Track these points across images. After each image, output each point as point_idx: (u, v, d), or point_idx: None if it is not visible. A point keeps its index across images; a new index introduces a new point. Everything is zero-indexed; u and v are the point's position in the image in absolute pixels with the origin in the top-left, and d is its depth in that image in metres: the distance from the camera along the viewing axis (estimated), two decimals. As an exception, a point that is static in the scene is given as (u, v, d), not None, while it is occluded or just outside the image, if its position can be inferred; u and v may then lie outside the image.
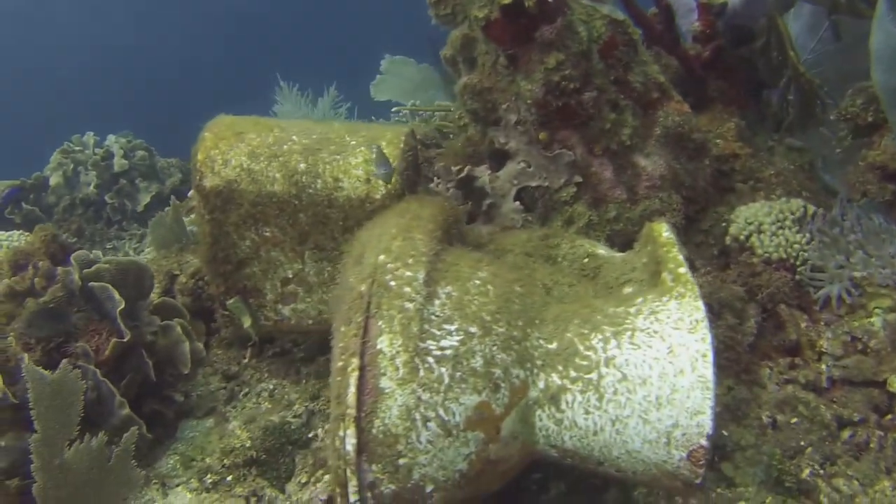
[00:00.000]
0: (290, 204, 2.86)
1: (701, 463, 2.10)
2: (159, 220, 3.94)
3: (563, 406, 2.14)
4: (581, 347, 2.17)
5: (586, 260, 2.79)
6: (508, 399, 2.08)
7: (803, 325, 2.81)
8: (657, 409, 2.08)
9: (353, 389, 1.90)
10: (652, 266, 2.54)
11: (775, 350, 2.82)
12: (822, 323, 2.82)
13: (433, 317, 2.05)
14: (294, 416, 3.00)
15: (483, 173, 3.13)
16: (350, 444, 1.89)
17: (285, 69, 7.29)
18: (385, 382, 1.93)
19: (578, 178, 3.07)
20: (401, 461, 1.94)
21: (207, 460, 2.93)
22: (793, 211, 2.98)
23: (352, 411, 1.90)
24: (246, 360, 3.46)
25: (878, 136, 2.90)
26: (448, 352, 2.02)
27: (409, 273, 2.08)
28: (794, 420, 2.59)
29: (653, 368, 2.11)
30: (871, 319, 2.70)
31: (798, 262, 2.89)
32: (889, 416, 2.57)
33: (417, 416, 1.94)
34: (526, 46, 2.92)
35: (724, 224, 3.21)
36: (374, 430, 1.92)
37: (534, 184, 3.11)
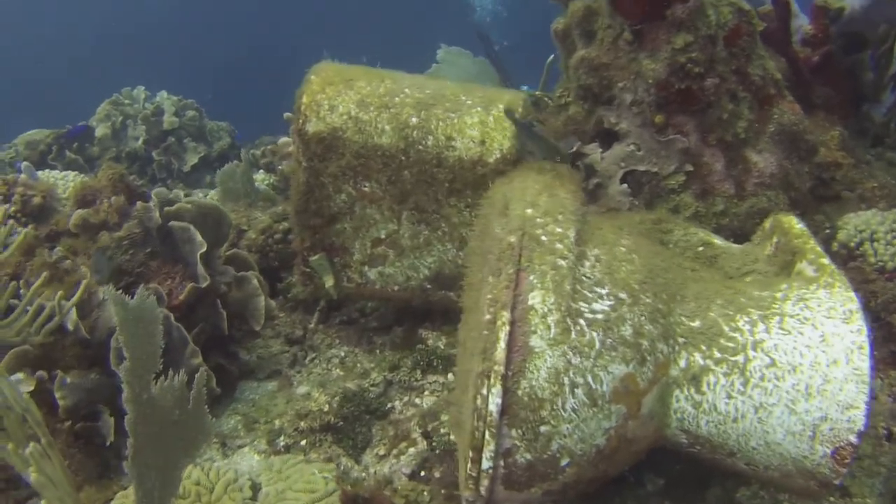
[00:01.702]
0: (397, 159, 2.72)
1: (846, 462, 1.97)
2: (230, 171, 3.79)
3: (705, 388, 2.00)
4: (726, 328, 2.04)
5: (701, 248, 2.67)
6: (652, 374, 1.95)
7: (919, 338, 2.70)
8: (806, 399, 1.96)
9: (503, 345, 1.76)
10: (782, 257, 2.42)
11: (886, 361, 2.70)
12: (938, 338, 2.71)
13: (584, 278, 1.92)
14: (372, 385, 2.85)
15: (594, 151, 3.01)
16: (494, 403, 1.75)
17: (334, 49, 7.15)
18: (535, 341, 1.79)
19: (689, 167, 2.95)
20: (542, 428, 1.80)
21: (277, 423, 2.78)
22: (908, 222, 2.88)
23: (500, 368, 1.75)
24: (312, 325, 3.32)
25: None
26: (599, 316, 1.88)
27: (559, 229, 1.95)
28: (915, 433, 2.47)
29: (804, 356, 1.98)
30: None
31: (914, 274, 2.78)
32: None
33: (566, 380, 1.80)
34: (655, 23, 2.81)
35: (827, 231, 3.10)
36: (519, 392, 1.78)
37: (642, 168, 2.99)
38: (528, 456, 1.82)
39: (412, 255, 2.88)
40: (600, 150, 3.03)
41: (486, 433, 1.76)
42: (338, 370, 3.03)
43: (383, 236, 2.86)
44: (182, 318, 2.73)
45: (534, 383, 1.78)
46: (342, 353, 3.12)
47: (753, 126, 3.01)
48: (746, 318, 2.06)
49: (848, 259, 2.93)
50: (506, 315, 1.79)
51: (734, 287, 2.19)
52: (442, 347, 2.97)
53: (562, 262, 1.88)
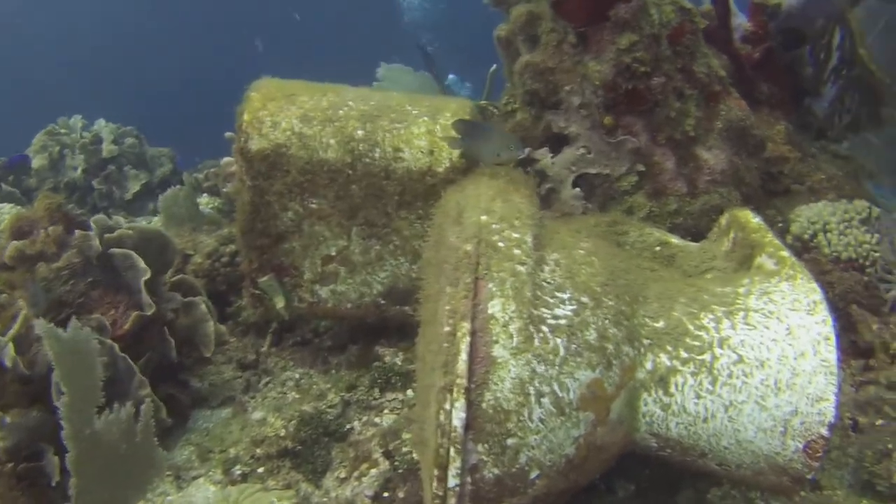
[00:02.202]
0: (343, 173, 2.64)
1: (818, 455, 1.94)
2: (173, 196, 3.66)
3: (673, 389, 1.96)
4: (691, 327, 2.00)
5: (658, 248, 2.64)
6: (619, 378, 1.89)
7: (875, 326, 2.70)
8: (776, 394, 1.92)
9: (464, 357, 1.69)
10: (740, 252, 2.40)
11: (846, 351, 2.70)
12: (893, 325, 2.71)
13: (545, 283, 1.86)
14: (329, 407, 2.75)
15: (544, 156, 2.96)
16: (458, 418, 1.67)
17: (276, 74, 7.06)
18: (498, 351, 1.72)
19: (641, 167, 2.93)
20: (509, 441, 1.73)
21: (232, 451, 2.67)
22: (858, 211, 2.89)
23: (462, 381, 1.68)
24: (265, 348, 3.20)
25: (948, 138, 2.84)
26: (562, 321, 1.82)
27: (516, 235, 1.89)
28: (880, 422, 2.46)
29: (771, 351, 1.95)
30: (949, 322, 2.61)
31: (867, 263, 2.79)
32: (975, 423, 2.46)
33: (532, 390, 1.74)
34: (599, 25, 2.79)
35: (779, 224, 3.10)
36: (483, 405, 1.70)
37: (593, 171, 2.96)
38: (496, 471, 1.74)
39: (364, 271, 2.79)
40: (550, 154, 2.98)
41: (451, 450, 1.68)
42: (293, 393, 2.92)
43: (333, 253, 2.77)
44: (128, 348, 2.60)
45: (498, 395, 1.71)
46: (297, 376, 3.02)
47: (702, 123, 3.00)
48: (711, 316, 2.02)
49: (802, 251, 2.93)
50: (466, 326, 1.72)
51: (696, 285, 2.15)
52: (399, 364, 2.89)
53: (521, 269, 1.82)
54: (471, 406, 1.69)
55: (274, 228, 2.72)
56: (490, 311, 1.75)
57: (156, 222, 3.97)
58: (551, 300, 1.85)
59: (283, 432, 2.59)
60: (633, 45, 2.76)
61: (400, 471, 2.44)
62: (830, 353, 1.94)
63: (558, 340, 1.80)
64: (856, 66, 3.35)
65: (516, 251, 1.85)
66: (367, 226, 2.72)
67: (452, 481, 1.71)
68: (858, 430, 2.49)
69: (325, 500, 2.45)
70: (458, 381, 1.68)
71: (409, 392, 2.75)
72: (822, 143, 3.61)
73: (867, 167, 3.51)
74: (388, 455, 2.52)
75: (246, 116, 2.65)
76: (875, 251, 2.77)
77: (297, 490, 2.47)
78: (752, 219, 2.42)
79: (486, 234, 1.87)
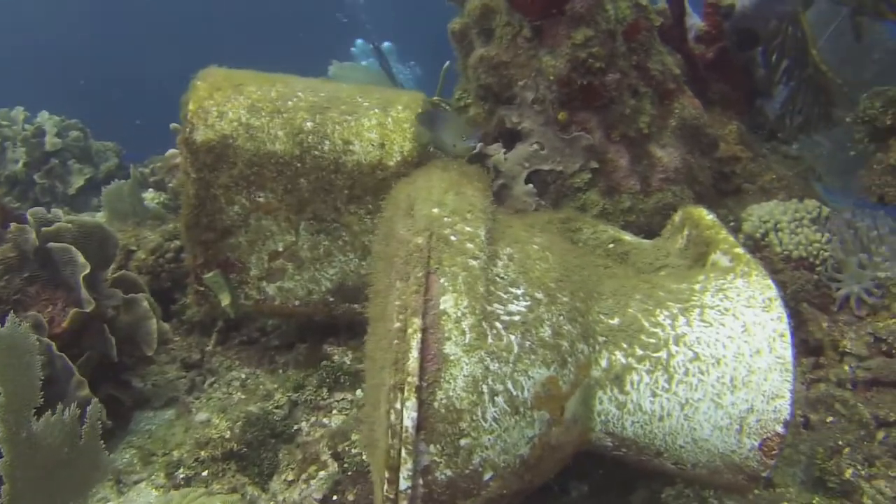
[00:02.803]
0: (292, 166, 2.56)
1: (774, 453, 1.92)
2: (116, 190, 3.52)
3: (628, 387, 1.92)
4: (647, 324, 1.97)
5: (612, 245, 2.61)
6: (574, 376, 1.85)
7: (825, 324, 2.71)
8: (732, 392, 1.90)
9: (415, 354, 1.63)
10: (694, 250, 2.38)
11: (798, 349, 2.69)
12: (842, 323, 2.72)
13: (498, 278, 1.81)
14: (276, 407, 2.66)
15: (497, 151, 2.91)
16: (410, 418, 1.61)
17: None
18: (450, 348, 1.66)
19: (594, 164, 2.90)
20: (462, 441, 1.67)
21: (175, 454, 2.56)
22: (809, 211, 2.90)
23: (413, 380, 1.62)
24: (210, 347, 3.10)
25: (895, 139, 2.85)
26: (516, 318, 1.77)
27: (469, 228, 1.83)
28: (830, 419, 2.46)
29: (727, 348, 1.93)
30: (897, 321, 2.62)
31: (818, 262, 2.79)
32: (923, 420, 2.47)
33: (485, 388, 1.68)
34: (554, 19, 2.75)
35: (731, 223, 3.10)
36: (435, 404, 1.64)
37: (546, 167, 2.92)
38: (449, 472, 1.68)
39: (312, 268, 2.71)
40: (504, 150, 2.94)
41: (403, 451, 1.62)
42: (239, 393, 2.83)
43: (281, 249, 2.69)
44: (66, 347, 2.48)
45: (451, 394, 1.65)
46: (243, 375, 2.93)
47: (656, 121, 2.98)
48: (666, 313, 1.99)
49: (754, 250, 2.93)
50: (417, 322, 1.65)
51: (651, 281, 2.12)
52: (348, 363, 2.81)
53: (473, 263, 1.76)
54: (422, 405, 1.63)
55: (220, 223, 2.63)
56: (442, 307, 1.69)
57: (99, 217, 3.82)
58: (505, 296, 1.79)
59: (228, 434, 2.49)
60: (589, 41, 2.73)
61: (349, 473, 2.36)
62: (786, 350, 1.92)
63: (512, 337, 1.75)
64: (808, 67, 3.38)
65: (469, 245, 1.80)
66: (315, 220, 2.64)
67: (404, 483, 1.64)
68: (809, 428, 2.49)
69: (271, 503, 2.36)
70: (410, 379, 1.62)
71: (359, 392, 2.68)
72: (773, 143, 3.63)
73: (816, 169, 3.54)
74: (336, 457, 2.44)
75: (191, 106, 2.56)
76: (825, 250, 2.78)
77: (242, 494, 2.39)
78: (706, 216, 2.40)
79: (438, 228, 1.81)
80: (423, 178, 2.06)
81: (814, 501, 2.27)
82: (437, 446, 1.65)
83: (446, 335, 1.67)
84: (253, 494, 2.40)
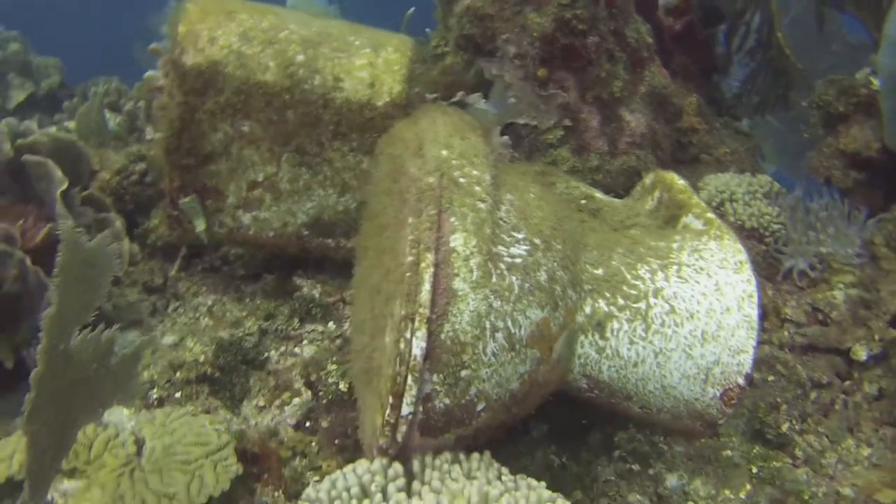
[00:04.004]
0: (281, 98, 2.57)
1: (733, 402, 2.10)
2: (87, 110, 3.40)
3: (608, 334, 2.06)
4: (629, 276, 2.10)
5: (584, 201, 2.72)
6: (563, 319, 1.97)
7: (769, 292, 2.92)
8: (702, 344, 2.06)
9: (427, 287, 1.71)
10: (666, 212, 2.52)
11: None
12: (785, 292, 2.94)
13: (502, 222, 1.90)
14: (247, 334, 2.70)
15: (477, 100, 2.98)
16: (419, 347, 1.69)
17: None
18: (458, 284, 1.75)
19: (568, 122, 3.00)
20: (463, 373, 1.77)
21: (145, 374, 2.57)
22: (762, 185, 3.09)
23: (425, 311, 1.70)
24: (174, 273, 3.09)
25: (846, 125, 3.06)
26: (518, 260, 1.87)
27: (476, 172, 1.91)
28: (772, 378, 2.67)
29: (700, 304, 2.08)
30: (833, 293, 2.85)
31: (767, 233, 2.99)
32: (849, 382, 2.71)
33: (487, 324, 1.78)
34: (544, -24, 2.82)
35: (688, 191, 3.27)
36: (442, 335, 1.73)
37: (522, 121, 3.01)
38: (447, 401, 1.78)
39: (290, 200, 2.74)
40: (483, 100, 3.01)
41: (409, 378, 1.71)
42: (206, 319, 2.84)
43: (261, 179, 2.70)
44: (37, 263, 2.45)
45: (457, 327, 1.74)
46: (209, 302, 2.94)
47: (628, 87, 3.10)
48: (647, 267, 2.13)
49: (709, 218, 3.10)
50: (430, 257, 1.73)
51: (632, 237, 2.25)
52: (318, 296, 2.86)
53: (481, 205, 1.85)
54: (430, 336, 1.72)
55: (201, 148, 2.62)
56: (452, 245, 1.77)
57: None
58: (508, 238, 1.89)
59: (202, 358, 2.52)
60: (575, 2, 2.82)
61: (324, 401, 2.44)
62: (753, 310, 2.09)
63: (513, 278, 1.85)
64: (772, 49, 3.56)
65: (476, 188, 1.88)
66: (298, 153, 2.66)
67: (406, 409, 1.73)
68: (752, 385, 2.69)
69: (243, 427, 2.42)
70: (422, 310, 1.70)
71: (331, 324, 2.74)
72: (726, 118, 3.81)
73: (764, 147, 3.75)
74: (310, 385, 2.51)
75: (182, 28, 2.52)
76: (775, 223, 2.98)
77: (215, 416, 2.43)
78: (678, 180, 2.54)
79: (448, 169, 1.88)
80: (425, 120, 2.11)
81: (753, 451, 2.48)
82: (440, 376, 1.75)
83: (455, 271, 1.76)
84: (225, 417, 2.44)
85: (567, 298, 1.98)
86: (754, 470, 2.44)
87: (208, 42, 2.52)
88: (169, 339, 2.74)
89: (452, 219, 1.80)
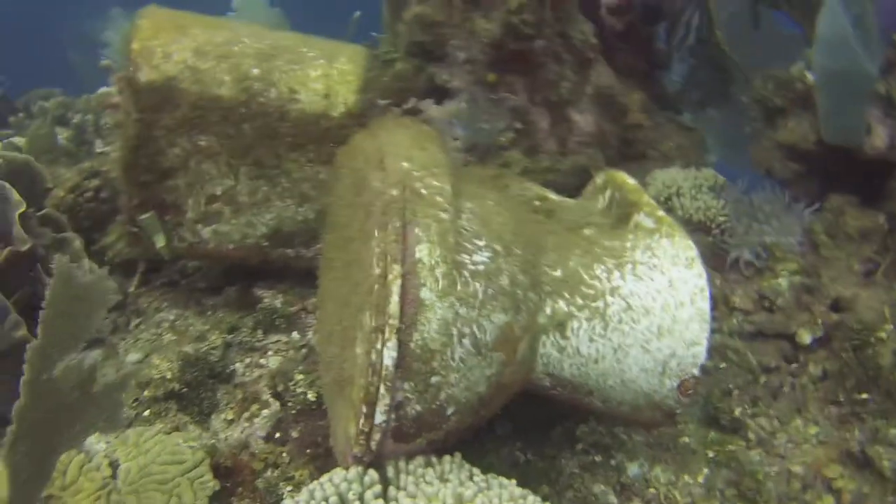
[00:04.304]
0: (237, 112, 2.59)
1: (689, 392, 2.20)
2: (38, 128, 3.36)
3: (569, 333, 2.13)
4: (586, 276, 2.18)
5: (538, 202, 2.80)
6: (525, 322, 2.04)
7: (718, 282, 3.04)
8: (658, 338, 2.15)
9: (396, 298, 1.76)
10: (618, 211, 2.60)
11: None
12: (732, 281, 3.06)
13: (464, 230, 1.96)
14: (212, 348, 2.72)
15: (429, 107, 3.03)
16: (390, 357, 1.75)
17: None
18: (425, 293, 1.81)
19: (518, 125, 3.08)
20: (433, 379, 1.83)
21: (111, 393, 2.58)
22: (706, 179, 3.21)
23: (395, 322, 1.75)
24: (133, 289, 3.09)
25: (784, 118, 3.19)
26: (480, 267, 1.94)
27: (436, 183, 1.97)
28: (723, 365, 2.79)
29: (655, 300, 2.17)
30: (778, 280, 2.98)
31: (714, 226, 3.11)
32: (796, 365, 2.85)
33: (454, 331, 1.84)
34: (492, -17, 2.88)
35: (636, 187, 3.37)
36: (412, 344, 1.79)
37: (473, 125, 3.07)
38: (419, 407, 1.84)
39: (250, 212, 2.77)
40: (436, 106, 3.06)
41: (382, 387, 1.76)
42: (170, 334, 2.85)
43: (219, 192, 2.72)
44: (-2, 286, 2.44)
45: (426, 335, 1.80)
46: (171, 317, 2.95)
47: (575, 87, 3.18)
48: (603, 267, 2.21)
49: (657, 212, 3.21)
50: (397, 268, 1.79)
51: (588, 238, 2.34)
52: (279, 306, 2.89)
53: (443, 215, 1.90)
54: (401, 346, 1.77)
55: (159, 164, 2.63)
56: (417, 256, 1.83)
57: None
58: (470, 246, 1.95)
59: (169, 374, 2.53)
60: (522, 7, 2.88)
61: (293, 411, 2.47)
62: (705, 304, 2.19)
63: (477, 285, 1.91)
64: (710, 46, 3.68)
65: (438, 198, 1.93)
66: (256, 166, 2.69)
67: (380, 418, 1.79)
68: (705, 372, 2.81)
69: (213, 441, 2.44)
70: (391, 321, 1.75)
71: (294, 334, 2.77)
72: (669, 113, 3.92)
73: (706, 140, 3.87)
74: (277, 396, 2.55)
75: (135, 45, 2.53)
76: (721, 216, 3.10)
77: (187, 434, 2.45)
78: (629, 180, 2.63)
79: (410, 181, 1.93)
80: (384, 132, 2.16)
81: (709, 436, 2.59)
82: (411, 383, 1.81)
83: (422, 281, 1.81)
84: (195, 433, 2.46)
85: (528, 301, 2.06)
86: (710, 454, 2.55)
87: (163, 58, 2.53)
88: (133, 357, 2.75)
89: (417, 230, 1.86)
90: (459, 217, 1.98)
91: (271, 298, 2.92)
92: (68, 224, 2.97)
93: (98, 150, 3.82)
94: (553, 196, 2.82)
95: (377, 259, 1.81)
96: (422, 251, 1.83)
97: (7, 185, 2.46)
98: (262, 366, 2.67)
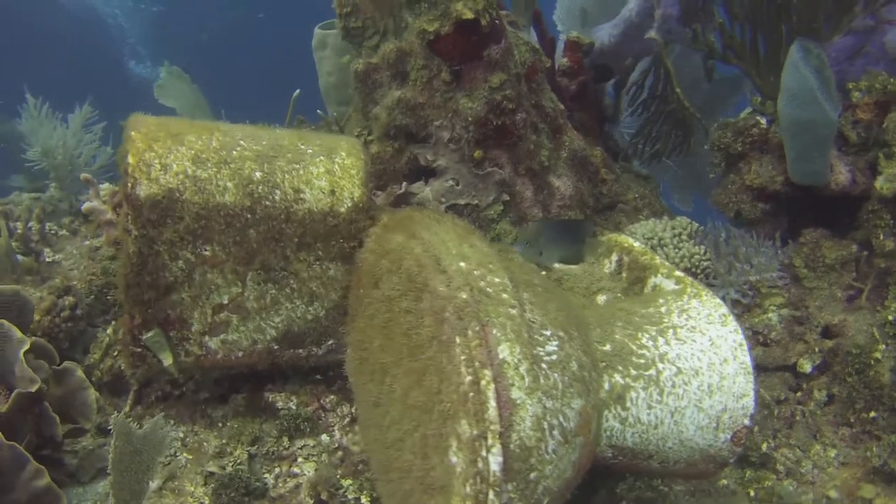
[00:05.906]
0: (242, 218, 2.52)
1: (742, 442, 2.28)
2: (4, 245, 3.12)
3: (628, 404, 2.18)
4: (634, 346, 2.24)
5: (543, 273, 2.86)
6: (594, 401, 2.07)
7: (710, 325, 3.16)
8: (709, 396, 2.23)
9: (493, 403, 1.76)
10: (631, 274, 2.69)
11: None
12: (724, 323, 3.19)
13: (531, 323, 1.98)
14: (238, 464, 2.60)
15: (421, 188, 3.04)
16: (496, 463, 1.74)
17: (36, 83, 6.26)
18: (515, 393, 1.81)
19: (506, 197, 3.13)
20: (532, 475, 1.83)
21: (143, 529, 2.43)
22: (683, 227, 3.35)
23: (496, 427, 1.75)
24: (127, 408, 2.92)
25: (746, 162, 3.38)
26: (554, 357, 1.96)
27: (497, 279, 1.98)
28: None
29: (701, 360, 2.25)
30: (768, 315, 3.13)
31: (699, 272, 3.24)
32: (800, 393, 3.00)
33: (546, 424, 1.86)
34: (472, 64, 2.93)
35: (612, 241, 3.48)
36: (511, 446, 1.78)
37: (462, 202, 3.10)
38: (519, 505, 1.83)
39: (258, 318, 2.67)
40: (427, 188, 3.08)
41: (490, 493, 1.74)
42: (184, 454, 2.71)
43: (226, 301, 2.62)
44: (8, 432, 2.26)
45: (522, 434, 1.80)
46: (180, 434, 2.80)
47: (552, 154, 3.28)
48: (647, 335, 2.27)
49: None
50: (488, 373, 1.78)
51: (624, 308, 2.39)
52: (295, 407, 2.80)
53: (513, 311, 1.92)
54: (504, 449, 1.76)
55: (162, 280, 2.51)
56: (501, 356, 1.83)
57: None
58: (540, 338, 1.97)
59: (206, 500, 2.41)
60: (503, 84, 2.95)
61: (344, 520, 2.40)
62: (746, 357, 2.29)
63: (555, 375, 1.93)
64: (670, 101, 3.86)
65: (504, 295, 1.95)
66: (263, 270, 2.61)
67: (491, 525, 1.77)
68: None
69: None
70: (492, 427, 1.74)
71: (323, 437, 2.69)
72: (622, 164, 4.09)
73: (660, 186, 4.05)
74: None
75: (131, 159, 2.42)
76: (704, 261, 3.24)
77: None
78: (634, 242, 2.73)
79: (473, 281, 1.94)
80: (424, 230, 2.14)
81: (745, 475, 2.69)
82: (514, 483, 1.80)
83: (510, 381, 1.82)
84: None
85: (592, 380, 2.09)
86: (752, 493, 2.65)
87: (161, 170, 2.44)
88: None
89: (494, 330, 1.86)
90: (525, 310, 1.99)
91: (284, 401, 2.82)
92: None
93: (47, 260, 3.60)
94: (556, 265, 2.88)
95: (465, 365, 1.80)
96: (503, 351, 1.84)
97: (6, 322, 2.30)
98: (295, 475, 2.58)
